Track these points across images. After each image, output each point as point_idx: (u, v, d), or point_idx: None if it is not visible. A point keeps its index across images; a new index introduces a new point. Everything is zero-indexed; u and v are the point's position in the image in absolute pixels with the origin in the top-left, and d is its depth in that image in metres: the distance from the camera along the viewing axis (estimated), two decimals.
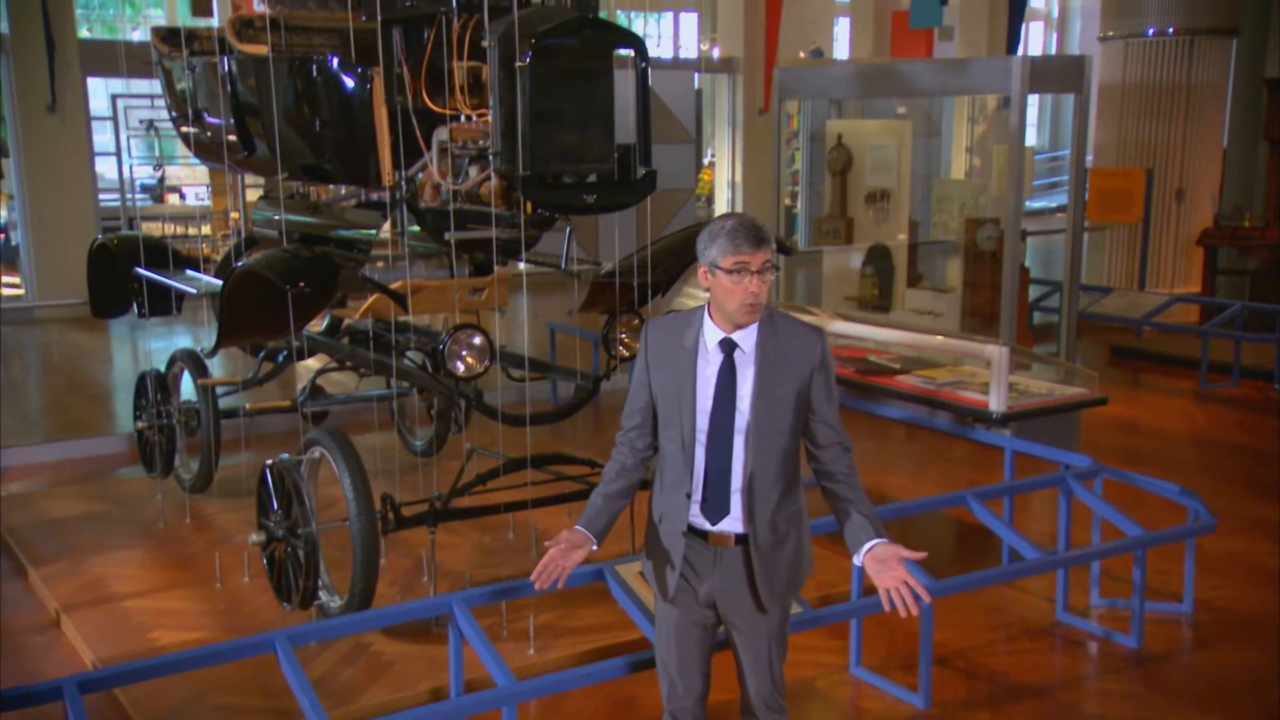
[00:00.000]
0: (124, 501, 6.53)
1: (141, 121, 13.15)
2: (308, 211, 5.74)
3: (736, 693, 3.19)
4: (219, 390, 6.26)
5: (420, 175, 4.99)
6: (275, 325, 4.76)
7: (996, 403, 5.73)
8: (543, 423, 5.05)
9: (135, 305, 6.60)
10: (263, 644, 3.74)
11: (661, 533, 3.04)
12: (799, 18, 18.81)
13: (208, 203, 14.71)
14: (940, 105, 13.68)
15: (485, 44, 4.41)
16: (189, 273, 6.37)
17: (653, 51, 5.66)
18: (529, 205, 4.63)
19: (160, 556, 5.73)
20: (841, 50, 21.60)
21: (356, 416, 7.46)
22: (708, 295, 2.94)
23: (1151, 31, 11.87)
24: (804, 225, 14.42)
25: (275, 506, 4.76)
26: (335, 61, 5.03)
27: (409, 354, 5.45)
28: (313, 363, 6.86)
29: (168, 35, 6.40)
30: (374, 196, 5.24)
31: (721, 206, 17.47)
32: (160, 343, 9.83)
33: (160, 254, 6.53)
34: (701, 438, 2.94)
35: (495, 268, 5.32)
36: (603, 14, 5.06)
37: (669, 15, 21.78)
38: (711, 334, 2.93)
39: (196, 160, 7.00)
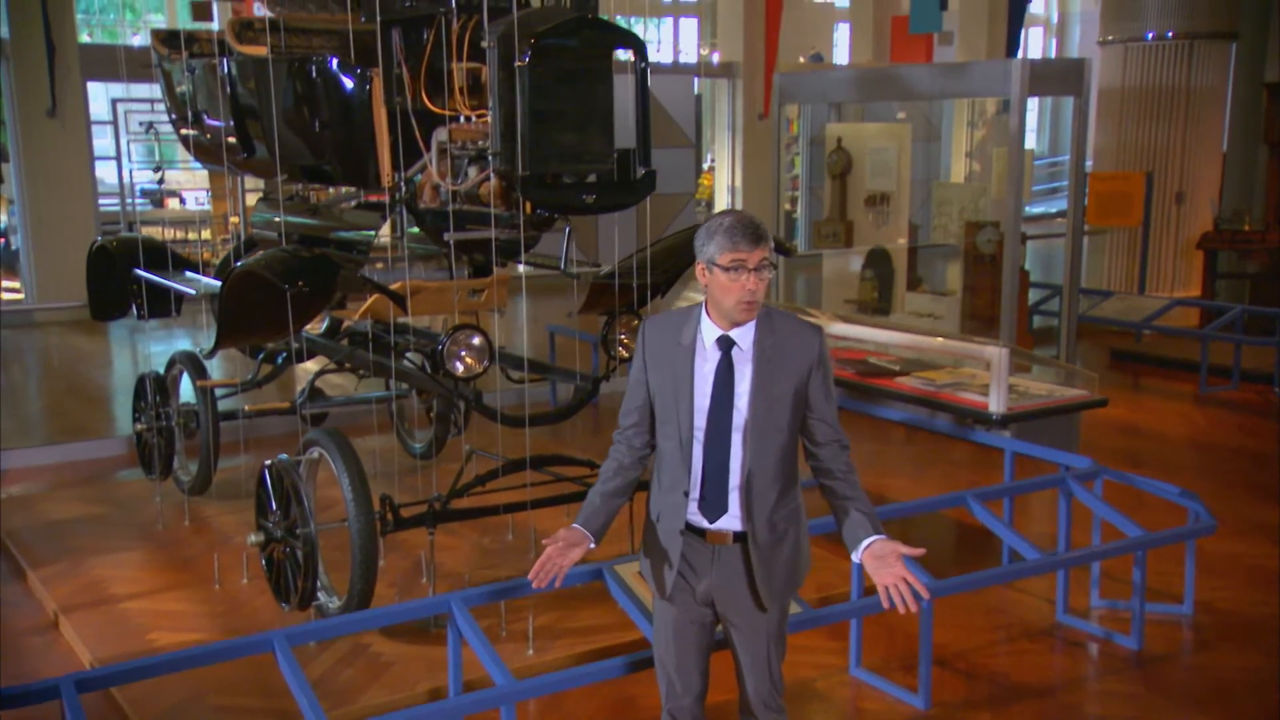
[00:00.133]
0: (123, 504, 6.52)
1: (141, 124, 13.16)
2: (307, 213, 5.74)
3: (735, 692, 3.17)
4: (218, 392, 6.26)
5: (419, 176, 4.99)
6: (274, 326, 4.75)
7: (996, 404, 5.71)
8: (542, 424, 5.04)
9: (134, 307, 6.60)
10: (261, 644, 3.73)
11: (659, 531, 3.03)
12: (799, 23, 18.87)
13: (207, 207, 14.72)
14: (940, 109, 13.71)
15: (484, 44, 4.41)
16: (188, 274, 6.37)
17: (653, 57, 5.67)
18: (528, 206, 4.62)
19: (159, 558, 5.73)
20: (841, 56, 21.65)
21: (356, 419, 7.46)
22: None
23: (1151, 35, 11.85)
24: (804, 229, 14.45)
25: (274, 507, 4.75)
26: (335, 63, 5.03)
27: (408, 355, 5.45)
28: (312, 365, 6.86)
29: (167, 38, 6.40)
30: (373, 198, 5.24)
31: None
32: (159, 345, 9.85)
33: (159, 256, 6.53)
34: (699, 435, 2.93)
35: (495, 269, 5.32)
36: (602, 15, 5.06)
37: (669, 20, 21.83)
38: (709, 331, 2.92)
39: (197, 164, 7.01)
